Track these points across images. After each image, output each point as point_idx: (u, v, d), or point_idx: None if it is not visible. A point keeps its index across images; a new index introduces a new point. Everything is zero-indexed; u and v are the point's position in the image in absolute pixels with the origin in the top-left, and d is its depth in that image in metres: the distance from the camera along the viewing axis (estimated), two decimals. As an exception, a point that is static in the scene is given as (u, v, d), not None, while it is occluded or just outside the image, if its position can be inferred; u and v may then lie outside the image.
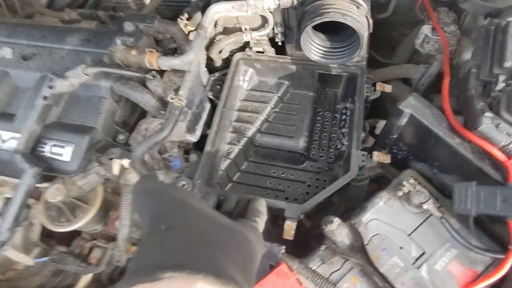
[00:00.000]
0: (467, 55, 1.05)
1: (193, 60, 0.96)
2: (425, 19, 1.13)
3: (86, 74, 0.85)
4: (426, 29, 1.07)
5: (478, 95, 0.82)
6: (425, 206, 0.85)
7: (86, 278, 1.04)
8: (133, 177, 0.93)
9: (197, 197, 0.52)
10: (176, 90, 0.94)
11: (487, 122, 0.74)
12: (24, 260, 0.95)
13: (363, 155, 1.03)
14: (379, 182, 1.43)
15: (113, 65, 0.90)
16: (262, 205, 0.66)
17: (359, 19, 0.95)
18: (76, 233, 1.09)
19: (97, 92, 0.92)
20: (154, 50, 0.94)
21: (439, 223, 0.85)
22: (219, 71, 1.30)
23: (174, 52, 1.21)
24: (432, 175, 0.93)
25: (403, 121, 0.89)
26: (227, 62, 1.36)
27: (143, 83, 0.95)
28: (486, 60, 0.85)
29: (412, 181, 0.89)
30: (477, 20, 1.03)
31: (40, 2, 1.69)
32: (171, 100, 0.89)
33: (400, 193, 0.89)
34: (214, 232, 0.45)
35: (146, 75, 0.90)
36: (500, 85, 0.77)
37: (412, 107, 0.85)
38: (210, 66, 1.38)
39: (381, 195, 0.92)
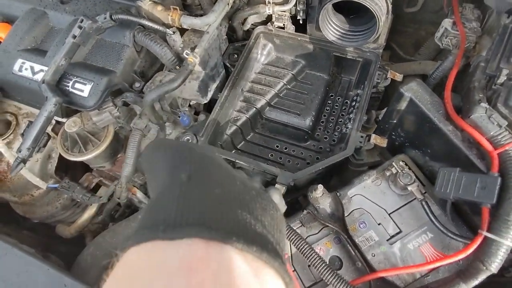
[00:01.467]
0: (485, 53, 1.05)
1: (213, 23, 1.02)
2: (449, 13, 1.12)
3: (113, 20, 0.92)
4: (447, 23, 1.07)
5: (479, 87, 0.83)
6: (409, 188, 0.88)
7: (90, 211, 1.14)
8: (141, 122, 1.01)
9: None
10: (193, 49, 1.01)
11: (480, 111, 0.75)
12: (39, 183, 1.06)
13: (362, 136, 1.06)
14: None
15: (138, 16, 0.98)
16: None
17: (378, 2, 0.97)
18: (86, 171, 1.20)
19: (121, 39, 0.99)
20: (177, 8, 1.00)
21: (420, 206, 0.87)
22: (239, 41, 1.35)
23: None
24: (424, 163, 0.95)
25: (403, 105, 0.92)
26: (248, 34, 1.41)
27: (164, 39, 1.02)
28: (496, 56, 0.85)
29: (401, 163, 0.92)
30: (500, 18, 1.02)
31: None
32: (186, 56, 0.95)
33: (388, 173, 0.92)
34: (242, 191, 0.35)
35: (167, 30, 0.97)
36: (502, 79, 0.78)
37: (412, 91, 0.87)
38: (232, 37, 1.44)
39: (370, 173, 0.95)
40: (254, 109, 1.31)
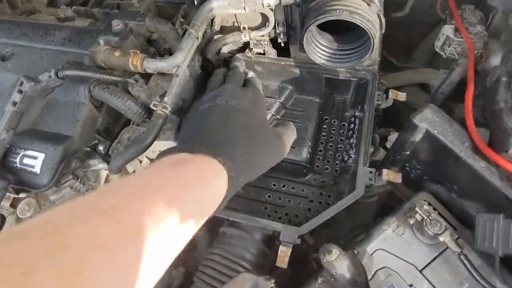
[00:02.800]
0: (495, 61, 0.92)
1: (181, 63, 0.87)
2: (447, 18, 1.00)
3: (60, 78, 0.76)
4: (447, 30, 0.94)
5: (508, 109, 0.69)
6: (441, 238, 0.73)
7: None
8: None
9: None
10: (162, 96, 0.85)
11: (520, 144, 0.61)
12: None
13: (371, 172, 0.91)
14: (389, 198, 1.31)
15: (91, 68, 0.82)
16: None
17: (370, 18, 0.83)
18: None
19: (75, 97, 0.84)
20: (138, 52, 0.85)
21: (457, 258, 0.73)
22: (217, 73, 1.20)
23: (170, 54, 1.12)
24: (450, 200, 0.81)
25: (418, 137, 0.77)
26: (226, 64, 1.26)
27: (126, 89, 0.86)
28: (520, 67, 0.72)
29: (426, 207, 0.77)
30: (508, 19, 0.90)
31: (41, -2, 1.63)
32: (154, 108, 0.80)
33: (412, 221, 0.77)
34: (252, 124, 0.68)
35: (128, 80, 0.81)
36: (538, 99, 0.64)
37: (428, 121, 0.73)
38: (209, 68, 1.29)
39: (389, 221, 0.80)
40: (243, 147, 1.15)
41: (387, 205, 1.32)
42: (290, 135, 0.85)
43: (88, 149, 0.86)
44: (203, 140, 0.62)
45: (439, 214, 0.78)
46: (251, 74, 1.19)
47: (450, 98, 1.13)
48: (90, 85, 0.83)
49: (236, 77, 0.86)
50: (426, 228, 0.74)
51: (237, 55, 1.17)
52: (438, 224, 0.73)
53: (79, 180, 0.81)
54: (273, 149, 0.70)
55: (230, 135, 0.64)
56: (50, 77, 0.76)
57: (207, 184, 0.54)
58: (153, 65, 0.85)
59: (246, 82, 0.86)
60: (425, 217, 0.75)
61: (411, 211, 0.78)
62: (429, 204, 0.80)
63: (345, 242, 1.23)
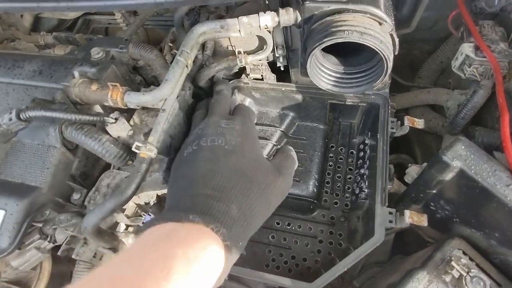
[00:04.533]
0: (523, 82, 0.81)
1: (168, 95, 0.75)
2: (464, 35, 0.90)
3: (23, 120, 0.64)
4: (466, 48, 0.84)
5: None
6: (486, 301, 0.60)
7: None
8: (88, 251, 0.71)
9: None
10: (147, 134, 0.73)
11: None
12: None
13: (391, 213, 0.79)
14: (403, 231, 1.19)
15: (62, 106, 0.70)
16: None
17: (383, 39, 0.73)
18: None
19: (44, 139, 0.72)
20: (118, 85, 0.74)
21: (506, 323, 0.59)
22: (211, 101, 1.09)
23: (159, 81, 1.02)
24: (489, 247, 0.68)
25: (448, 176, 0.66)
26: (220, 90, 1.16)
27: (104, 129, 0.74)
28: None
29: (464, 260, 0.65)
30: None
31: (23, 24, 1.53)
32: (137, 151, 0.68)
33: (448, 278, 0.64)
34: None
35: (105, 118, 0.70)
36: None
37: (462, 159, 0.62)
38: (202, 96, 1.18)
39: (418, 276, 0.67)
40: (242, 183, 1.03)
41: (402, 241, 1.19)
42: (290, 165, 0.71)
43: (60, 200, 0.73)
44: (191, 202, 0.50)
45: (478, 266, 0.65)
46: (247, 101, 1.09)
47: (467, 122, 1.03)
48: (61, 126, 0.71)
49: (220, 106, 0.73)
50: (466, 287, 0.61)
51: (234, 80, 1.06)
52: (482, 283, 0.61)
53: (48, 238, 0.68)
54: (273, 190, 0.60)
55: (220, 186, 0.53)
56: (10, 120, 0.64)
57: (197, 262, 0.41)
58: (136, 99, 0.74)
59: (234, 110, 0.75)
60: (465, 274, 0.62)
61: (446, 265, 0.65)
62: (464, 253, 0.67)
63: (359, 285, 1.09)
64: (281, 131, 1.12)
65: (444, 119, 1.18)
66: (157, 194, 0.97)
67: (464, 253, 0.67)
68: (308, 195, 1.04)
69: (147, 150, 0.68)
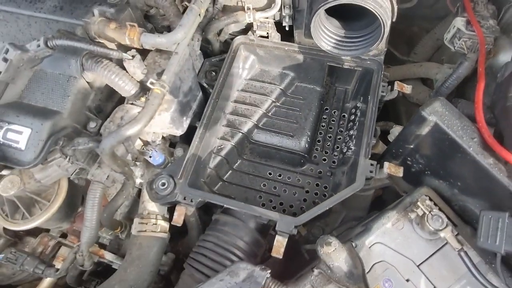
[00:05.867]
0: (504, 57, 0.90)
1: (181, 40, 0.82)
2: (459, 10, 0.97)
3: (49, 47, 0.71)
4: (459, 22, 0.91)
5: (521, 107, 0.67)
6: (441, 234, 0.71)
7: (48, 280, 0.93)
8: (101, 173, 0.80)
9: None
10: (160, 74, 0.80)
11: (533, 142, 0.59)
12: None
13: (372, 164, 0.89)
14: (384, 190, 1.30)
15: (84, 39, 0.76)
16: None
17: (383, 4, 0.79)
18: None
19: (65, 69, 0.78)
20: (135, 25, 0.79)
21: (456, 255, 0.71)
22: (217, 55, 1.15)
23: (168, 31, 1.07)
24: (451, 196, 0.79)
25: (425, 130, 0.75)
26: (226, 46, 1.21)
27: (122, 65, 0.81)
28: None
29: (428, 202, 0.75)
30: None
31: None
32: (151, 86, 0.75)
33: (412, 215, 0.75)
34: None
35: (124, 54, 0.76)
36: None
37: (438, 114, 0.71)
38: (208, 50, 1.23)
39: (389, 215, 0.78)
40: (240, 133, 1.12)
41: (380, 199, 1.31)
42: None
43: (78, 126, 0.81)
44: None
45: (440, 209, 0.76)
46: (251, 58, 1.13)
47: (452, 94, 1.12)
48: (82, 58, 0.77)
49: None
50: (427, 224, 0.72)
51: (241, 36, 1.11)
52: (440, 220, 0.72)
53: (67, 159, 0.77)
54: None
55: None
56: (38, 46, 0.70)
57: None
58: (151, 40, 0.80)
59: None
60: (427, 212, 0.73)
61: (412, 205, 0.76)
62: (430, 199, 0.78)
63: (338, 234, 1.21)
64: (281, 89, 1.19)
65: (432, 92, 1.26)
66: (162, 136, 1.05)
67: (430, 199, 0.78)
68: (300, 150, 1.13)
69: (161, 86, 0.75)
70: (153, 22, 1.09)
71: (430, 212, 0.73)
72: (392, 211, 0.79)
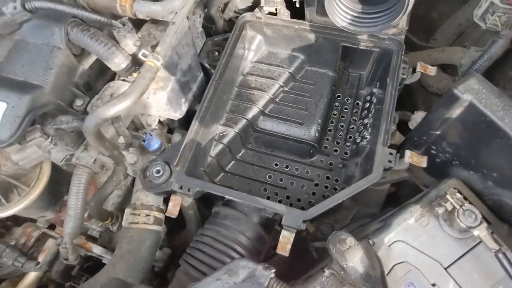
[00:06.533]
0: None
1: (179, 8, 0.73)
2: (491, -17, 0.86)
3: (26, 10, 0.62)
4: (492, -5, 0.80)
5: None
6: (475, 232, 0.61)
7: (32, 275, 0.85)
8: (87, 156, 0.71)
9: None
10: (155, 47, 0.71)
11: None
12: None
13: (391, 153, 0.79)
14: (399, 186, 1.20)
15: (69, 4, 0.67)
16: None
17: (407, -31, 0.69)
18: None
19: (49, 39, 0.70)
20: (128, -10, 0.70)
21: (491, 256, 0.61)
22: (220, 34, 1.06)
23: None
24: (484, 189, 0.69)
25: (456, 111, 0.65)
26: (231, 26, 1.12)
27: (112, 35, 0.72)
28: None
29: (458, 195, 0.65)
30: None
31: None
32: (143, 58, 0.66)
33: (440, 210, 0.65)
34: None
35: (113, 22, 0.68)
36: None
37: (474, 92, 0.60)
38: (211, 31, 1.14)
39: (411, 209, 0.69)
40: (244, 120, 1.02)
41: (395, 195, 1.21)
42: None
43: (63, 104, 0.72)
44: None
45: (473, 204, 0.66)
46: (257, 38, 1.04)
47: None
48: (68, 26, 0.69)
49: None
50: (458, 220, 0.62)
51: (246, 13, 1.02)
52: (473, 216, 0.62)
53: (49, 139, 0.68)
54: None
55: None
56: (15, 8, 0.62)
57: None
58: (145, 7, 0.71)
59: None
60: (457, 207, 0.63)
61: (440, 199, 0.66)
62: (460, 193, 0.68)
63: (349, 232, 1.12)
64: (289, 72, 1.10)
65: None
66: (159, 120, 0.96)
67: (459, 192, 0.68)
68: (309, 139, 1.04)
69: (154, 58, 0.67)
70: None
71: (461, 206, 0.63)
72: (416, 205, 0.69)
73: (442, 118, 0.69)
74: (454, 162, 0.74)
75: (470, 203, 0.67)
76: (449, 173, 0.76)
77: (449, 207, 0.64)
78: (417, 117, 0.83)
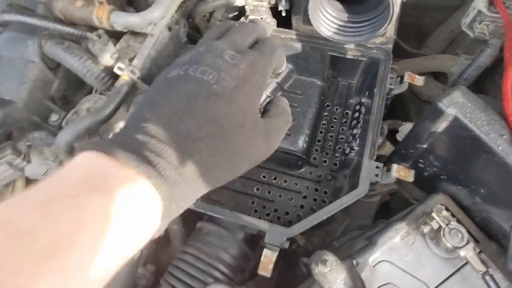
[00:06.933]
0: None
1: (158, 19, 0.71)
2: (479, -9, 0.84)
3: (-3, 24, 0.60)
4: (480, 3, 0.79)
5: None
6: (462, 253, 0.59)
7: None
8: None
9: None
10: (133, 59, 0.69)
11: None
12: None
13: (377, 167, 0.77)
14: (391, 196, 1.17)
15: (40, 15, 0.66)
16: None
17: (391, -21, 0.68)
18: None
19: (22, 52, 0.68)
20: (104, 2, 0.69)
21: (479, 277, 0.59)
22: (206, 44, 1.04)
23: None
24: (472, 205, 0.67)
25: (441, 125, 0.63)
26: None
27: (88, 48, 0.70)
28: None
29: (445, 212, 0.63)
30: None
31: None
32: (119, 72, 0.64)
33: (426, 229, 0.63)
34: None
35: (88, 34, 0.66)
36: None
37: (458, 106, 0.58)
38: (197, 39, 1.12)
39: (397, 227, 0.66)
40: (231, 131, 1.00)
41: (387, 206, 1.18)
42: (282, 127, 0.59)
43: (37, 119, 0.70)
44: (143, 138, 0.39)
45: (459, 221, 0.64)
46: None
47: (469, 88, 0.99)
48: (41, 39, 0.67)
49: (239, 32, 0.53)
50: (443, 239, 0.60)
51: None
52: (459, 235, 0.60)
53: (22, 156, 0.66)
54: (249, 156, 0.48)
55: (185, 133, 0.42)
56: (-16, 22, 0.60)
57: (120, 222, 0.35)
58: (123, 19, 0.69)
59: (256, 44, 0.55)
60: (444, 226, 0.61)
61: (426, 216, 0.64)
62: (447, 209, 0.66)
63: (339, 245, 1.09)
64: (277, 82, 1.08)
65: (446, 88, 1.14)
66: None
67: (447, 209, 0.66)
68: (297, 151, 1.02)
69: (130, 72, 0.65)
70: (136, 7, 0.99)
71: (447, 225, 0.61)
72: (401, 222, 0.66)
73: (428, 132, 0.67)
74: (442, 176, 0.72)
75: (457, 220, 0.64)
76: (438, 187, 0.74)
77: (435, 226, 0.62)
78: (405, 129, 0.81)
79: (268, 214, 0.99)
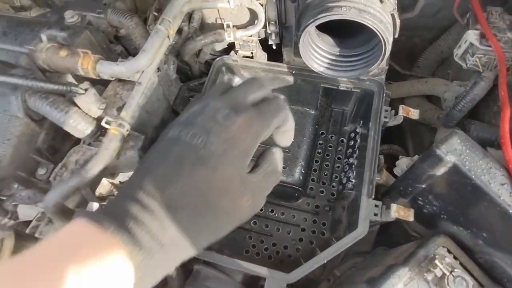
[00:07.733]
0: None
1: (145, 67, 0.69)
2: (470, 22, 0.84)
3: (-23, 85, 0.58)
4: (471, 36, 0.78)
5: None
6: (467, 303, 0.57)
7: None
8: (51, 230, 0.66)
9: None
10: (121, 109, 0.67)
11: None
12: None
13: (376, 205, 0.76)
14: (391, 223, 1.16)
15: (26, 72, 0.63)
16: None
17: (383, 18, 0.67)
18: None
19: (5, 107, 0.65)
20: (89, 52, 0.67)
21: (486, 325, 0.57)
22: (197, 79, 1.03)
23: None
24: (475, 246, 0.65)
25: (441, 170, 0.61)
26: (208, 67, 1.09)
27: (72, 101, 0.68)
28: None
29: (448, 259, 0.61)
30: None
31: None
32: (107, 126, 0.62)
33: (430, 277, 0.61)
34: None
35: (73, 88, 0.63)
36: None
37: (457, 153, 0.57)
38: (188, 72, 1.11)
39: (399, 273, 0.64)
40: (225, 166, 0.98)
41: (386, 231, 1.17)
42: (270, 184, 0.54)
43: (23, 174, 0.67)
44: (126, 207, 0.40)
45: (462, 265, 0.62)
46: (235, 80, 1.02)
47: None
48: (25, 94, 0.64)
49: (241, 90, 0.51)
50: (448, 287, 0.58)
51: (222, 57, 0.99)
52: (464, 283, 0.58)
53: (9, 215, 0.63)
54: (234, 217, 0.47)
55: (168, 200, 0.41)
56: (-36, 83, 0.57)
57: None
58: (109, 69, 0.67)
59: (259, 103, 0.51)
60: (447, 273, 0.59)
61: (429, 263, 0.62)
62: (449, 251, 0.64)
63: (340, 274, 1.07)
64: (270, 114, 1.06)
65: (440, 111, 1.13)
66: (134, 173, 0.92)
67: (449, 251, 0.64)
68: (293, 183, 1.00)
69: (118, 125, 0.62)
70: (124, 44, 0.97)
71: (451, 272, 0.59)
72: (404, 267, 0.65)
73: (427, 174, 0.65)
74: (442, 216, 0.71)
75: (460, 263, 0.63)
76: (438, 225, 0.73)
77: (439, 273, 0.60)
78: (402, 163, 0.80)
79: (266, 249, 0.97)
